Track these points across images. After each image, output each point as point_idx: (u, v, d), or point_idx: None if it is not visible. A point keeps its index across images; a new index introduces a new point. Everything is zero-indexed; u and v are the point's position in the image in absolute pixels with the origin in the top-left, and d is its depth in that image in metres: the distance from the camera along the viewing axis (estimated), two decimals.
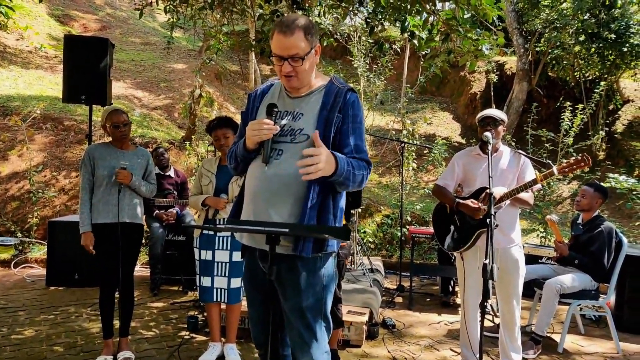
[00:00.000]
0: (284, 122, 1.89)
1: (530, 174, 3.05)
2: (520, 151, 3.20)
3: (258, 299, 1.97)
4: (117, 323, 3.32)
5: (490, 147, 2.80)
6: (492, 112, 3.08)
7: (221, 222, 3.31)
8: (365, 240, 6.76)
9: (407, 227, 6.18)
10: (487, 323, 4.19)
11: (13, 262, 5.77)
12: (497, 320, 4.13)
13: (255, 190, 1.88)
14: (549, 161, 2.98)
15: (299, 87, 1.89)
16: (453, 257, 4.39)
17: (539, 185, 2.94)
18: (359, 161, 1.86)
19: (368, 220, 7.28)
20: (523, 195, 2.97)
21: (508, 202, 2.98)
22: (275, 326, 1.97)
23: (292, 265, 1.85)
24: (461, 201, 3.04)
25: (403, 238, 6.02)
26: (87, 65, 4.53)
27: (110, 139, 3.35)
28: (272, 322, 1.90)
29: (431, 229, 4.70)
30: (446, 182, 3.22)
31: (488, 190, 2.66)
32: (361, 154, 1.88)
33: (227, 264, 3.30)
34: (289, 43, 1.77)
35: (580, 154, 2.93)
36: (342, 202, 1.98)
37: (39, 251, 6.07)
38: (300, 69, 1.81)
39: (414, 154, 8.61)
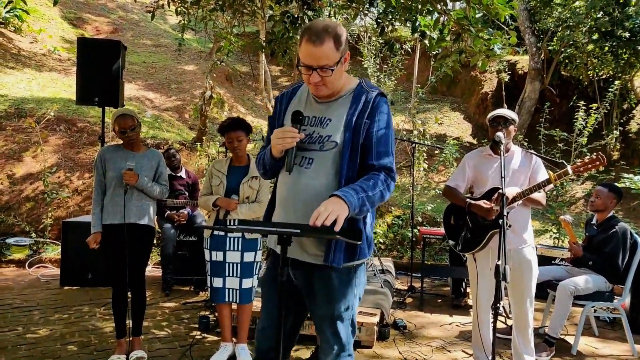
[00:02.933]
0: (306, 130, 1.83)
1: (543, 174, 3.02)
2: (532, 151, 3.16)
3: (274, 302, 1.91)
4: (130, 323, 3.35)
5: (502, 148, 2.78)
6: (503, 111, 3.06)
7: (232, 223, 3.32)
8: (376, 241, 6.74)
9: (418, 227, 6.15)
10: (499, 324, 4.15)
11: (27, 262, 5.84)
12: (509, 322, 4.10)
13: (286, 198, 1.86)
14: (563, 161, 2.95)
15: (327, 94, 1.84)
16: (464, 258, 4.37)
17: (551, 185, 2.90)
18: (373, 175, 1.78)
19: (379, 220, 7.26)
20: (535, 195, 2.94)
21: (520, 202, 2.95)
22: (284, 334, 1.93)
23: (325, 274, 1.82)
24: (473, 202, 3.02)
25: (414, 239, 5.99)
26: (100, 67, 4.57)
27: (121, 140, 3.38)
28: (283, 330, 1.88)
29: (442, 230, 4.67)
30: (457, 182, 3.19)
31: (501, 191, 2.64)
32: (382, 160, 1.81)
33: (239, 265, 3.31)
34: (319, 53, 1.70)
35: (595, 153, 2.89)
36: None
37: (53, 251, 6.14)
38: (329, 79, 1.76)
39: (424, 154, 8.57)
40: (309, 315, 1.99)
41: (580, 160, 2.91)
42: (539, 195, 2.98)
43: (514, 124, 3.04)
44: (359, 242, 1.77)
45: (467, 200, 3.06)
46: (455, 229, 3.25)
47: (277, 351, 1.88)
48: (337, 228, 1.60)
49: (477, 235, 3.05)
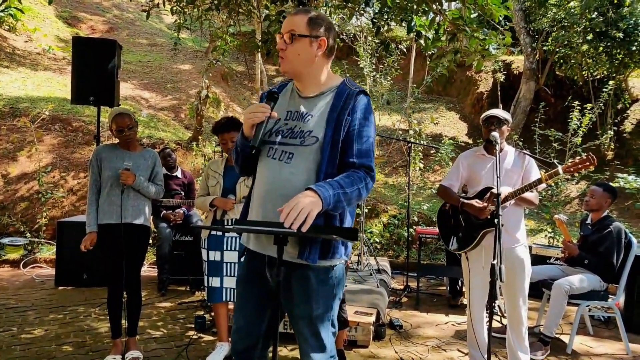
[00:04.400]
0: (288, 124, 1.86)
1: (536, 173, 3.04)
2: (525, 151, 3.19)
3: (252, 303, 1.90)
4: (125, 323, 3.34)
5: (497, 148, 2.79)
6: (496, 112, 3.07)
7: (229, 223, 3.32)
8: (372, 241, 6.75)
9: (414, 227, 6.17)
10: (495, 324, 4.17)
11: (22, 262, 5.82)
12: (505, 321, 4.12)
13: (265, 193, 1.84)
14: (555, 161, 2.98)
15: (287, 71, 1.87)
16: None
17: (544, 185, 2.93)
18: (353, 173, 1.76)
19: (375, 220, 7.28)
20: (528, 194, 2.96)
21: (512, 201, 2.97)
22: (262, 334, 1.92)
23: (303, 274, 1.80)
24: (466, 201, 3.04)
25: (410, 238, 6.00)
26: (95, 66, 4.55)
27: (117, 140, 3.37)
28: (260, 330, 1.88)
29: (438, 229, 4.69)
30: (451, 182, 3.21)
31: (493, 190, 2.66)
32: (362, 159, 1.80)
33: (237, 264, 3.31)
34: (290, 21, 1.83)
35: (585, 153, 2.93)
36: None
37: (48, 251, 6.12)
38: (290, 48, 1.81)
39: (420, 154, 8.58)
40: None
41: (571, 160, 2.93)
42: (531, 195, 3.00)
43: (507, 124, 3.06)
44: (356, 241, 1.78)
45: (461, 199, 3.08)
46: (449, 228, 3.26)
47: (254, 351, 1.90)
48: (305, 227, 1.59)
49: (470, 234, 3.07)
